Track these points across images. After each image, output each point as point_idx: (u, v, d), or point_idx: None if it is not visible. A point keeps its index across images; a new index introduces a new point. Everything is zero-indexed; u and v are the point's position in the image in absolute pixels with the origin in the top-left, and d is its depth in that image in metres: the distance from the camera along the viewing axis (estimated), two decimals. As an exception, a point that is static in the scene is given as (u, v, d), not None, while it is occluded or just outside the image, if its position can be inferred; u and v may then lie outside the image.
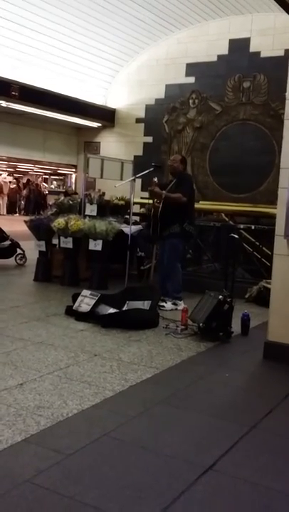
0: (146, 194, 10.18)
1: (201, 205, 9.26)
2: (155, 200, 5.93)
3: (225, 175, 12.07)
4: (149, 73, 13.33)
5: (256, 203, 10.13)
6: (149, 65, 13.33)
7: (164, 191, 5.77)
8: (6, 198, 23.40)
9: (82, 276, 7.02)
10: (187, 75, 12.77)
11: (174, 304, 5.89)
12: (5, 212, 23.03)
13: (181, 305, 5.74)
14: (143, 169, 6.76)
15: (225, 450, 2.70)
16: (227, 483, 2.42)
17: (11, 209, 23.86)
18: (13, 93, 11.54)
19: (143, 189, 10.39)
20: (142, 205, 9.02)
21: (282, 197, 4.21)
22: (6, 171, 23.69)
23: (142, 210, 8.91)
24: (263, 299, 5.93)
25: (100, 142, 14.57)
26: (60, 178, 23.73)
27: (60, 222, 6.83)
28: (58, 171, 21.76)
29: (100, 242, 6.68)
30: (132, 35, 12.64)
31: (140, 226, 7.45)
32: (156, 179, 5.93)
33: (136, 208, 8.73)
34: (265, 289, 6.06)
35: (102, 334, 4.74)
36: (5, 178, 23.65)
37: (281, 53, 11.26)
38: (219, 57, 12.29)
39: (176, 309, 5.75)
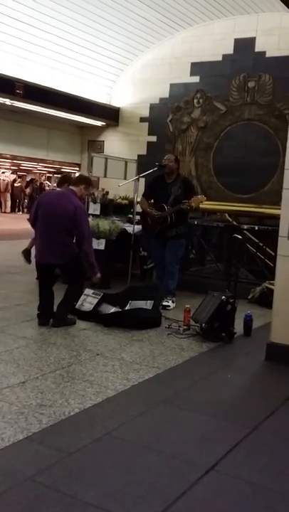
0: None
1: (204, 205, 9.22)
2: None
3: (229, 175, 12.02)
4: (154, 72, 13.29)
5: (260, 204, 10.11)
6: (154, 64, 13.30)
7: (168, 212, 5.88)
8: (8, 196, 23.35)
9: (85, 275, 7.00)
10: (192, 74, 12.73)
11: (172, 301, 6.00)
12: (9, 211, 23.02)
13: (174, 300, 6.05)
14: (147, 168, 6.74)
15: (226, 451, 2.70)
16: (228, 483, 2.43)
17: (15, 207, 23.88)
18: (18, 91, 11.53)
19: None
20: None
21: (287, 198, 4.21)
22: (10, 169, 23.71)
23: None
24: (266, 300, 5.93)
25: (103, 141, 14.54)
26: (64, 176, 23.69)
27: (63, 220, 6.81)
28: (62, 170, 21.76)
29: (103, 241, 6.68)
30: (136, 34, 12.61)
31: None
32: (158, 214, 5.98)
33: (139, 208, 8.71)
34: (268, 289, 6.06)
35: (104, 333, 4.75)
36: (7, 177, 23.58)
37: (287, 53, 11.21)
38: (224, 56, 12.23)
39: (173, 302, 5.96)
